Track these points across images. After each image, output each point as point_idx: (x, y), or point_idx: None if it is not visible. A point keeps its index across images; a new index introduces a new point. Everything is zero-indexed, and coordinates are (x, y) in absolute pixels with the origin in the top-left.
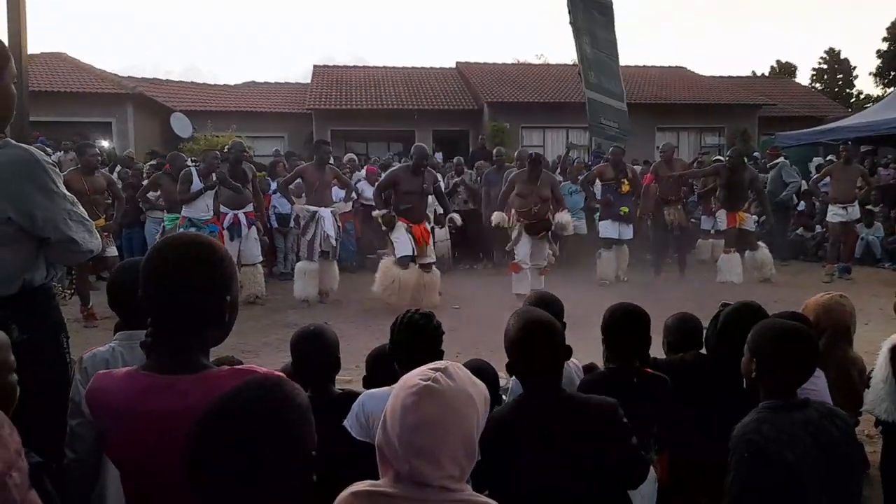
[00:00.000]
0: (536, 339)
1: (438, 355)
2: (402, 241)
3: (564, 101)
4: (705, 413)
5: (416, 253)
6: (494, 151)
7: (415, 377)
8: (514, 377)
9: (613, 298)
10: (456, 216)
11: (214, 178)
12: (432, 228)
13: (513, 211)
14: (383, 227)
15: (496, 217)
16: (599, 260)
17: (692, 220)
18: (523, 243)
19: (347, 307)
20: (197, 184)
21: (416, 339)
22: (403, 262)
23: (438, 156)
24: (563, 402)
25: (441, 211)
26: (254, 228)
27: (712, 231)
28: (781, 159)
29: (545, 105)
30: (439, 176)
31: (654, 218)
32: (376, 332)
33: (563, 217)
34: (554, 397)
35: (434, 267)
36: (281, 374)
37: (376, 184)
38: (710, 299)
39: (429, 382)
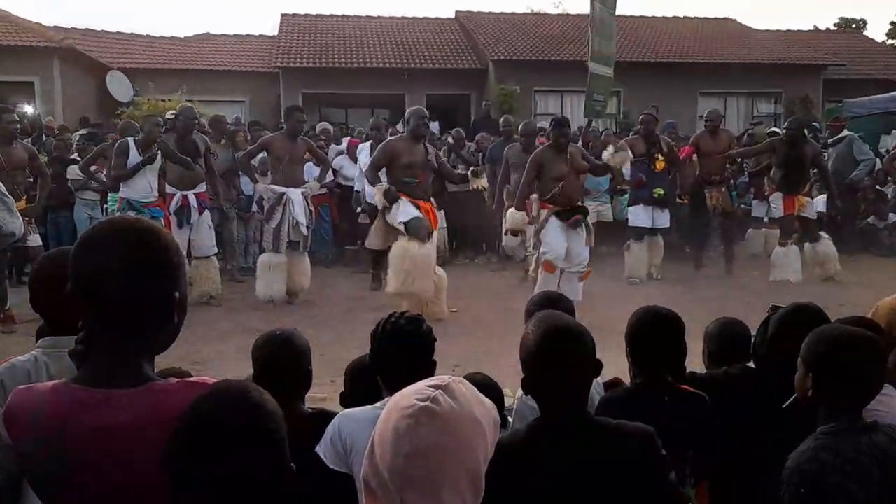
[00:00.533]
0: (561, 351)
1: (430, 368)
2: (404, 206)
3: (587, 60)
4: (752, 438)
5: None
6: (501, 120)
7: (410, 396)
8: (524, 395)
9: (645, 300)
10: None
11: (155, 150)
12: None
13: (533, 200)
14: (382, 204)
15: (514, 220)
16: (628, 253)
17: (742, 204)
18: (555, 234)
19: (321, 309)
20: (135, 157)
21: (402, 349)
22: (418, 230)
23: (434, 126)
24: (588, 428)
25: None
26: (207, 214)
27: (765, 219)
28: (847, 132)
29: (563, 64)
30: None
31: (694, 201)
32: (356, 339)
33: (614, 156)
34: (578, 422)
35: (439, 269)
36: (207, 381)
37: (368, 161)
38: (760, 301)
39: (427, 403)
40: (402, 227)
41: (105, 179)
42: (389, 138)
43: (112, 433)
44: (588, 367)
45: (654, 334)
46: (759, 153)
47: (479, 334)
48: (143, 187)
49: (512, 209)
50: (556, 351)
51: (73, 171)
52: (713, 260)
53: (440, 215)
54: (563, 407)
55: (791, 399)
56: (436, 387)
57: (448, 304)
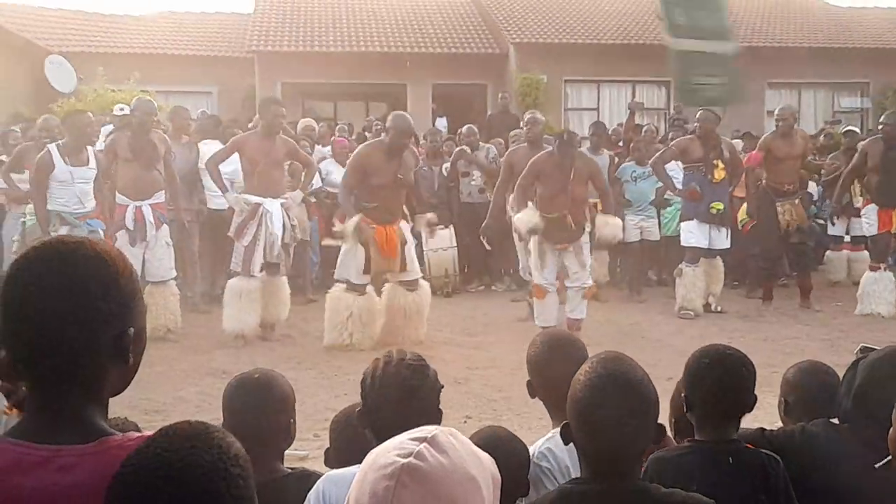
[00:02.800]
0: (616, 406)
1: (436, 420)
2: (350, 256)
3: (629, 42)
4: None
5: (375, 270)
6: (527, 117)
7: (390, 452)
8: (560, 444)
9: (700, 338)
10: (431, 216)
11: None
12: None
13: (531, 208)
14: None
15: (525, 221)
16: (680, 279)
17: (817, 220)
18: (536, 256)
19: (303, 347)
20: (63, 168)
21: (401, 403)
22: (357, 286)
23: (441, 122)
24: (637, 498)
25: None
26: (165, 229)
27: (847, 237)
28: None
29: (600, 49)
30: (421, 157)
31: (761, 217)
32: (343, 384)
33: (607, 226)
34: (624, 490)
35: (423, 283)
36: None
37: (343, 177)
38: (846, 340)
39: (410, 459)
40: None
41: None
42: (361, 147)
43: (55, 497)
44: (646, 428)
45: (719, 380)
46: (855, 171)
47: (496, 379)
48: (71, 198)
49: (523, 213)
50: (610, 405)
51: None
52: (785, 288)
53: (449, 233)
54: (609, 471)
55: (885, 461)
56: (420, 439)
57: (459, 341)
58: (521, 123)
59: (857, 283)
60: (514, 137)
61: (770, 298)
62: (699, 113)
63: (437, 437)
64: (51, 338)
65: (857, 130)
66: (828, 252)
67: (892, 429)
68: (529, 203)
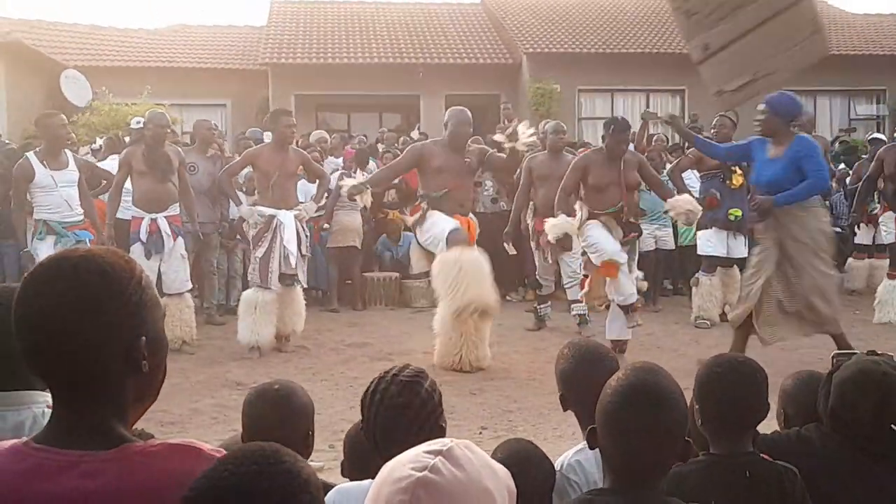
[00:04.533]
0: (643, 422)
1: (436, 437)
2: (438, 220)
3: (643, 50)
4: None
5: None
6: (551, 126)
7: (404, 466)
8: (590, 457)
9: (717, 347)
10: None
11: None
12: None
13: (578, 210)
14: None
15: (556, 228)
16: (697, 289)
17: (836, 228)
18: (598, 232)
19: (318, 358)
20: (43, 174)
21: (395, 421)
22: (457, 237)
23: None
24: None
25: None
26: (180, 241)
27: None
28: None
29: (614, 58)
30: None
31: None
32: (359, 395)
33: (679, 201)
34: (648, 502)
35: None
36: (196, 444)
37: (386, 167)
38: (860, 348)
39: (425, 473)
40: (438, 248)
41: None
42: (421, 142)
43: (76, 502)
44: (673, 442)
45: (731, 390)
46: (872, 180)
47: (511, 390)
48: (59, 204)
49: (559, 217)
50: (637, 414)
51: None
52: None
53: None
54: (631, 482)
55: None
56: (435, 452)
57: None
58: (540, 130)
59: (876, 292)
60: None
61: None
62: (715, 119)
63: (452, 450)
64: (60, 351)
65: (884, 138)
66: (849, 260)
67: None
68: (577, 207)
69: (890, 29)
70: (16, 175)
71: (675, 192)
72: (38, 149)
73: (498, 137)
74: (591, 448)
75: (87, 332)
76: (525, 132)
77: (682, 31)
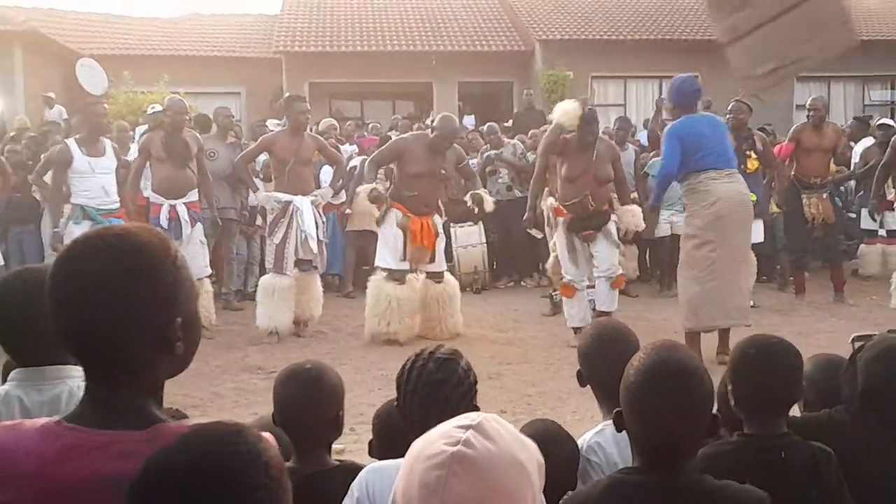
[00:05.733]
0: (667, 395)
1: None
2: (387, 242)
3: (656, 37)
4: (876, 498)
5: (411, 258)
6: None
7: (436, 441)
8: (610, 438)
9: (732, 331)
10: (483, 194)
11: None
12: (446, 224)
13: (548, 203)
14: (375, 213)
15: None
16: None
17: (848, 213)
18: (565, 250)
19: (336, 343)
20: (81, 160)
21: (432, 399)
22: (397, 273)
23: (468, 120)
24: (690, 490)
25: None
26: (199, 228)
27: (881, 231)
28: None
29: (627, 45)
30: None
31: (788, 210)
32: (378, 379)
33: (627, 214)
34: (680, 481)
35: (448, 276)
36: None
37: (372, 154)
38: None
39: (459, 447)
40: (379, 264)
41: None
42: (404, 135)
43: (112, 483)
44: (700, 418)
45: (766, 371)
46: (889, 166)
47: (529, 374)
48: (97, 192)
49: (538, 203)
50: (662, 393)
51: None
52: (816, 282)
53: (478, 229)
54: (661, 461)
55: None
56: (466, 426)
57: (490, 337)
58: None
59: (892, 278)
60: (543, 132)
61: (802, 291)
62: (731, 104)
63: (482, 424)
64: (96, 332)
65: (893, 124)
66: (861, 246)
67: None
68: (549, 198)
69: None
70: (56, 159)
71: (633, 194)
72: (78, 136)
73: (467, 198)
74: (619, 430)
75: (122, 310)
76: (489, 200)
77: (709, 13)
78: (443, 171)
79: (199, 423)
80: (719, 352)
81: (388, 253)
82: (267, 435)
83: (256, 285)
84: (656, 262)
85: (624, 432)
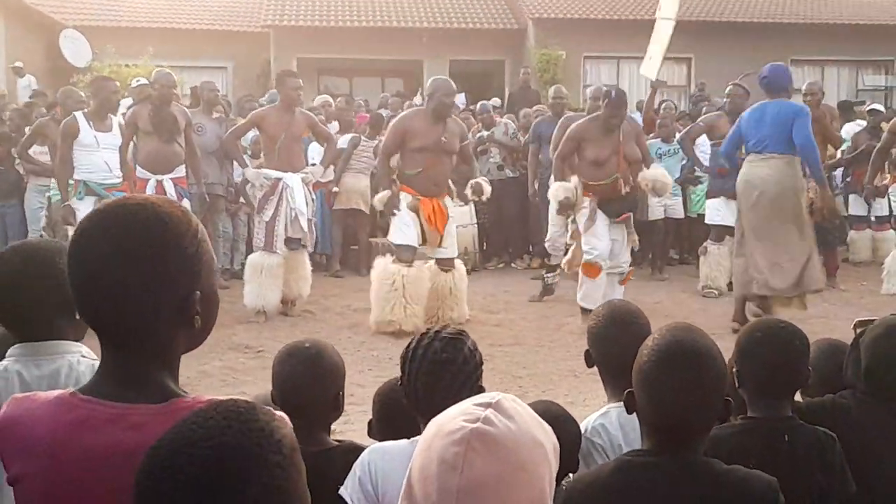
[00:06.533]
0: (680, 377)
1: (472, 395)
2: (401, 223)
3: (649, 18)
4: (880, 488)
5: (425, 241)
6: (552, 91)
7: (456, 418)
8: (614, 420)
9: (724, 316)
10: (483, 183)
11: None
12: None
13: (574, 181)
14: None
15: (559, 192)
16: (705, 257)
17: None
18: (600, 230)
19: (325, 322)
20: (88, 133)
21: (438, 378)
22: (405, 253)
23: (460, 98)
24: (698, 473)
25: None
26: (186, 204)
27: (873, 217)
28: None
29: (620, 24)
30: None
31: None
32: (367, 359)
33: (654, 174)
34: (689, 463)
35: (458, 263)
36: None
37: (380, 145)
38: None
39: (479, 424)
40: (391, 240)
41: (47, 163)
42: (402, 114)
43: (125, 455)
44: (712, 401)
45: (772, 354)
46: (884, 151)
47: (520, 356)
48: (100, 166)
49: (560, 184)
50: (675, 375)
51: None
52: None
53: (469, 210)
54: (671, 444)
55: None
56: (485, 405)
57: (481, 319)
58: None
59: (882, 264)
60: (536, 113)
61: None
62: (728, 88)
63: (501, 403)
64: (115, 302)
65: (882, 109)
66: (851, 232)
67: None
68: (573, 177)
69: None
70: (62, 131)
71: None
72: (85, 109)
73: (468, 190)
74: (630, 412)
75: (143, 281)
76: (488, 190)
77: None
78: (444, 140)
79: (214, 398)
80: (733, 319)
81: (400, 229)
82: (280, 413)
83: (242, 263)
84: (648, 245)
85: (631, 416)
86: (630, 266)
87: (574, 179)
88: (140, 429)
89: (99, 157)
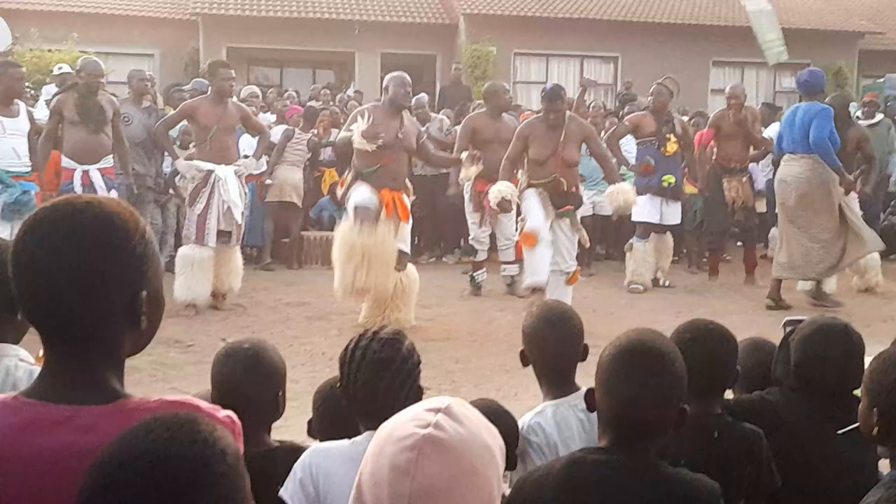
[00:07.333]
0: (637, 375)
1: (415, 396)
2: (359, 191)
3: (580, 16)
4: (801, 473)
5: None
6: (487, 87)
7: (407, 424)
8: (549, 419)
9: (650, 311)
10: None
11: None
12: None
13: (521, 179)
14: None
15: (495, 194)
16: (630, 254)
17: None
18: (533, 205)
19: (256, 317)
20: None
21: (377, 378)
22: (364, 213)
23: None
24: (647, 472)
25: None
26: (114, 195)
27: None
28: (882, 116)
29: (550, 22)
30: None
31: (710, 194)
32: (299, 354)
33: (619, 193)
34: (639, 463)
35: (411, 267)
36: (194, 402)
37: (335, 137)
38: (786, 315)
39: (430, 430)
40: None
41: None
42: (362, 107)
43: (73, 457)
44: (668, 406)
45: (701, 354)
46: None
47: (452, 351)
48: (6, 153)
49: (497, 182)
50: (633, 377)
51: None
52: (731, 264)
53: None
54: (624, 443)
55: (849, 428)
56: (435, 410)
57: (414, 314)
58: (487, 93)
59: None
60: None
61: (716, 273)
62: (653, 87)
63: (451, 408)
64: (61, 302)
65: None
66: (773, 230)
67: (860, 403)
68: (519, 173)
69: (814, 4)
70: None
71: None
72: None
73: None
74: (590, 410)
75: (90, 281)
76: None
77: None
78: (399, 136)
79: (162, 399)
80: (767, 296)
81: (358, 194)
82: (226, 413)
83: (171, 256)
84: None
85: (566, 414)
86: (577, 269)
87: (519, 175)
88: (90, 430)
89: (5, 142)
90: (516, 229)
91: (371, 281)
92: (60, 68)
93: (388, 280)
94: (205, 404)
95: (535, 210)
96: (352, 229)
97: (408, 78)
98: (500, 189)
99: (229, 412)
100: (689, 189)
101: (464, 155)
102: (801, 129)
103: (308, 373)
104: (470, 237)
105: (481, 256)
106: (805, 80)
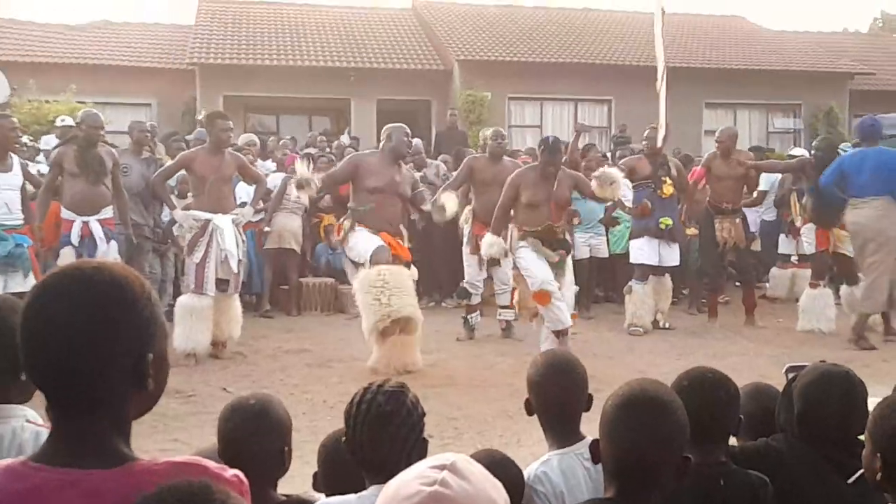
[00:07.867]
0: (640, 424)
1: (419, 450)
2: (363, 237)
3: (572, 60)
4: None
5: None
6: (490, 134)
7: (412, 482)
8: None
9: (650, 353)
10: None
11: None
12: None
13: (511, 230)
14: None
15: (485, 248)
16: (630, 297)
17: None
18: (530, 261)
19: (256, 365)
20: None
21: (382, 431)
22: (381, 252)
23: (417, 142)
24: None
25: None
26: (113, 245)
27: (794, 257)
28: None
29: (544, 67)
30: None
31: (703, 234)
32: (301, 403)
33: (603, 174)
34: None
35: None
36: (201, 463)
37: (325, 175)
38: (792, 357)
39: (436, 487)
40: (359, 260)
41: None
42: (358, 153)
43: None
44: (671, 455)
45: (700, 403)
46: (790, 170)
47: (454, 397)
48: None
49: (488, 235)
50: (636, 427)
51: None
52: (728, 307)
53: None
54: (630, 490)
55: (857, 475)
56: (440, 467)
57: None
58: (481, 137)
59: (797, 300)
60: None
61: (715, 315)
62: (646, 131)
63: (456, 464)
64: (68, 365)
65: (802, 152)
66: (773, 269)
67: (864, 449)
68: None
69: (803, 45)
70: None
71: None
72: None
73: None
74: (595, 462)
75: (98, 345)
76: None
77: None
78: (397, 181)
79: (169, 461)
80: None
81: (365, 240)
82: (234, 472)
83: (170, 305)
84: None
85: (572, 464)
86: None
87: (510, 228)
88: (97, 495)
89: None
90: (510, 277)
91: (398, 303)
92: (63, 120)
93: (415, 303)
94: (212, 464)
95: (535, 265)
96: (369, 272)
97: (408, 129)
98: (489, 244)
99: (236, 471)
100: (690, 231)
101: (444, 194)
102: (876, 172)
103: (309, 422)
104: (464, 280)
105: (475, 300)
106: (869, 125)
